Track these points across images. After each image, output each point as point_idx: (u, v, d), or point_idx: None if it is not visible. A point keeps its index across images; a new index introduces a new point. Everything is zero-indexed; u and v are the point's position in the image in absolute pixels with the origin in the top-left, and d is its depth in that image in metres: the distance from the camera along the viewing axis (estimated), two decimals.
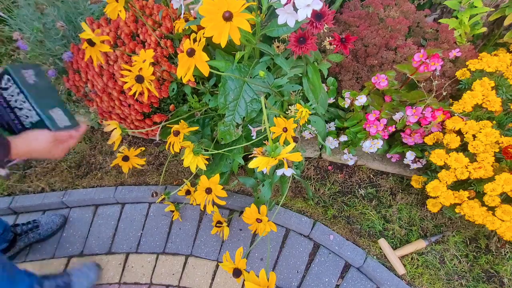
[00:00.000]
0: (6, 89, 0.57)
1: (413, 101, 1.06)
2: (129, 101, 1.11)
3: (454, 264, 1.12)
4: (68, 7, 1.33)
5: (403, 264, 1.12)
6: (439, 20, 1.27)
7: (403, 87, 1.11)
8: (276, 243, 1.21)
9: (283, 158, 0.59)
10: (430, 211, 1.08)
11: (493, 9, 1.24)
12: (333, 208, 1.24)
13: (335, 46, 0.87)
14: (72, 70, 1.19)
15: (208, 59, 0.61)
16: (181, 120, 0.92)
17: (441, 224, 1.18)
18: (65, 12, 1.33)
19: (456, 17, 1.23)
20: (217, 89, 1.06)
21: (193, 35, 0.89)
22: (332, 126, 1.19)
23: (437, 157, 0.97)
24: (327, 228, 1.19)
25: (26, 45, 1.25)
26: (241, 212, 1.25)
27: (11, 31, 1.35)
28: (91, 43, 0.74)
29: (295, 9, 0.63)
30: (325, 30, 0.77)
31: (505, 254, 1.11)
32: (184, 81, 0.66)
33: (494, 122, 0.97)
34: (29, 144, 0.62)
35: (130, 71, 0.80)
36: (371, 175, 1.30)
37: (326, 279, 1.13)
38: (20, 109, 0.59)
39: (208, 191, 0.91)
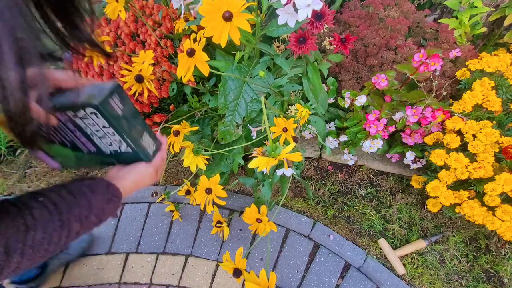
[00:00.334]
0: (83, 118, 0.47)
1: (413, 101, 1.06)
2: None
3: (454, 264, 1.12)
4: None
5: (403, 264, 1.12)
6: (439, 20, 1.27)
7: (403, 87, 1.11)
8: (276, 243, 1.21)
9: (283, 158, 0.59)
10: (430, 211, 1.08)
11: (493, 9, 1.24)
12: (333, 208, 1.24)
13: (335, 46, 0.87)
14: (72, 70, 1.19)
15: (208, 59, 0.61)
16: (183, 121, 0.92)
17: (441, 224, 1.18)
18: None
19: (456, 17, 1.23)
20: (217, 89, 1.06)
21: (193, 35, 0.88)
22: (332, 126, 1.19)
23: (437, 157, 0.97)
24: (327, 228, 1.19)
25: None
26: (241, 212, 1.25)
27: None
28: None
29: (295, 9, 0.63)
30: (325, 30, 0.77)
31: (505, 254, 1.11)
32: (184, 81, 0.66)
33: (494, 122, 0.97)
34: (137, 185, 0.56)
35: (130, 71, 0.80)
36: (371, 175, 1.30)
37: (326, 279, 1.13)
38: (101, 138, 0.50)
39: (208, 191, 0.91)
